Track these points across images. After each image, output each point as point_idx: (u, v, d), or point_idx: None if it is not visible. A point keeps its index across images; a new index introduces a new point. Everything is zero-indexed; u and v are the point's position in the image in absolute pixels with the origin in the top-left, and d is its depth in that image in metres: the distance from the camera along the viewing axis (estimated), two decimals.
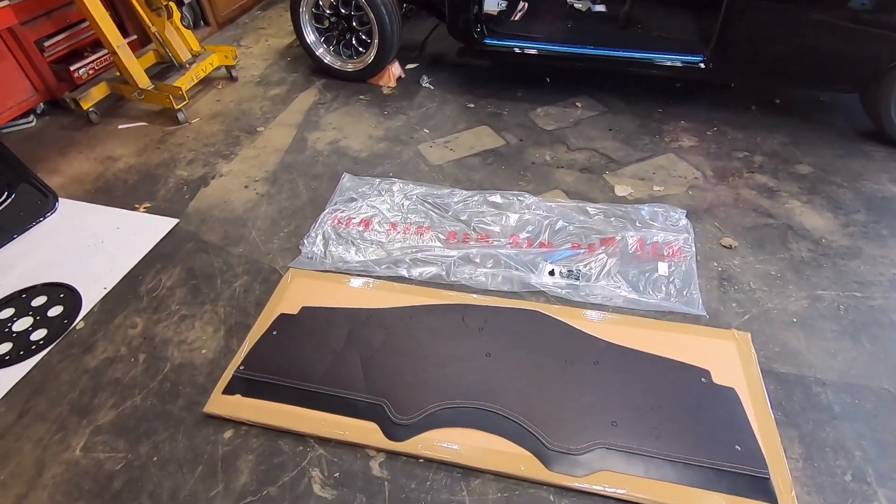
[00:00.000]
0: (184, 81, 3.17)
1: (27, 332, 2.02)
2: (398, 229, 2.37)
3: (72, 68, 3.17)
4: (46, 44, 3.13)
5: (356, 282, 2.14)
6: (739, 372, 1.75)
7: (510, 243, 2.27)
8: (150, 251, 2.34)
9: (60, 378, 1.87)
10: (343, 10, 3.19)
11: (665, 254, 2.19)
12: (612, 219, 2.36)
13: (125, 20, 3.51)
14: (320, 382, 1.76)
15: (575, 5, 3.45)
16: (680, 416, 1.64)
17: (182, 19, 3.38)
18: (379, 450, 1.62)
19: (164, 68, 3.49)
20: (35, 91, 3.16)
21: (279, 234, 2.41)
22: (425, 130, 3.05)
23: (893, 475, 1.53)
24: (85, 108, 3.11)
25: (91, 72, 3.28)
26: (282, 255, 2.29)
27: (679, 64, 2.85)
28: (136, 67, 3.09)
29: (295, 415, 1.69)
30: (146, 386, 1.83)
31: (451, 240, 2.31)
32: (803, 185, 2.57)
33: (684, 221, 2.34)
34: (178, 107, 3.12)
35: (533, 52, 3.05)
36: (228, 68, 3.57)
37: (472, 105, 3.24)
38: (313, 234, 2.35)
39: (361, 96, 3.37)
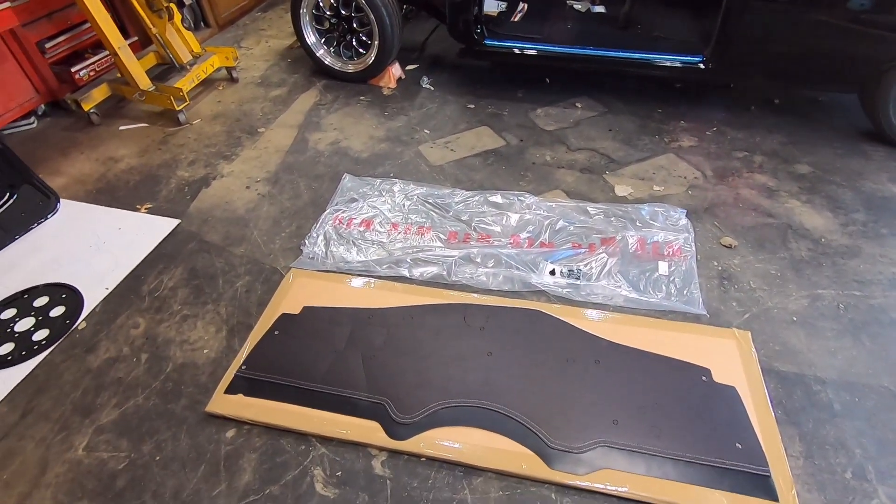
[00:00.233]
0: (185, 83, 3.18)
1: (29, 333, 2.02)
2: (399, 229, 2.37)
3: (73, 70, 3.18)
4: (48, 45, 3.13)
5: (357, 282, 2.14)
6: (740, 370, 1.76)
7: (511, 243, 2.27)
8: (152, 251, 2.34)
9: (63, 378, 1.87)
10: (343, 12, 3.19)
11: (665, 253, 2.20)
12: (613, 218, 2.37)
13: (126, 21, 3.52)
14: (322, 382, 1.77)
15: (574, 6, 3.46)
16: (681, 415, 1.64)
17: (183, 21, 3.38)
18: (381, 448, 1.63)
19: (165, 69, 3.49)
20: (36, 92, 3.16)
21: (280, 234, 2.41)
22: (426, 131, 3.05)
23: (894, 472, 1.53)
24: (86, 109, 3.12)
25: (92, 73, 3.29)
26: (283, 256, 2.30)
27: (678, 64, 2.86)
28: (137, 69, 3.09)
29: (297, 414, 1.69)
30: (149, 385, 1.84)
31: (452, 240, 2.31)
32: (803, 184, 2.58)
33: (684, 221, 2.35)
34: (179, 108, 3.12)
35: (533, 52, 3.06)
36: (229, 69, 3.58)
37: (473, 106, 3.25)
38: (315, 235, 2.36)
39: (362, 97, 3.38)
